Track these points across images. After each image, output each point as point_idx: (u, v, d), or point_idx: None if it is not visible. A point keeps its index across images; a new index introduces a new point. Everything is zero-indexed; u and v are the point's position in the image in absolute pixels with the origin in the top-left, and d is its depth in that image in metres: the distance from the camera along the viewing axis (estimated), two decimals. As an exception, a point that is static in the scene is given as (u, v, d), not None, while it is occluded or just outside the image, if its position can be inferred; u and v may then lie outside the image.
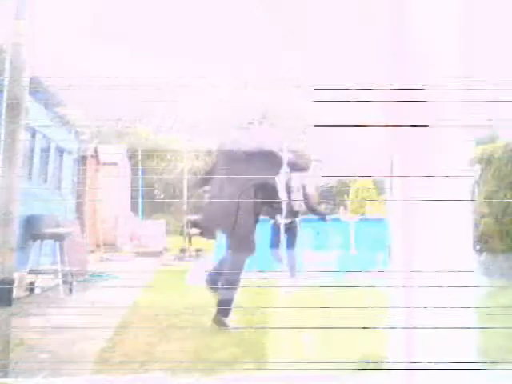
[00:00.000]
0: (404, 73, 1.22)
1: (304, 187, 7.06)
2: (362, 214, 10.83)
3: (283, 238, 6.71)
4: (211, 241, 9.25)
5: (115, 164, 11.55)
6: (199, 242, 10.64)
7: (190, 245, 10.63)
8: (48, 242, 6.78)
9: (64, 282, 6.21)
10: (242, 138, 5.36)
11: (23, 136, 3.32)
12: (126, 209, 12.39)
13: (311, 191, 7.22)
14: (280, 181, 5.91)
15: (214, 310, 4.80)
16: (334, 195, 14.21)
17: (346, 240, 8.44)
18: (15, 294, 3.47)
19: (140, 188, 13.05)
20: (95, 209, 10.62)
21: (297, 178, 6.82)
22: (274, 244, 6.93)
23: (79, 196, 9.92)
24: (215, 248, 8.86)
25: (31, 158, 7.55)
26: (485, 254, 6.49)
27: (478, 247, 1.23)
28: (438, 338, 1.17)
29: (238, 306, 5.09)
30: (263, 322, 4.60)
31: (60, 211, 8.57)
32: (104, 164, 11.25)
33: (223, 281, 4.69)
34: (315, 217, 7.58)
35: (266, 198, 5.17)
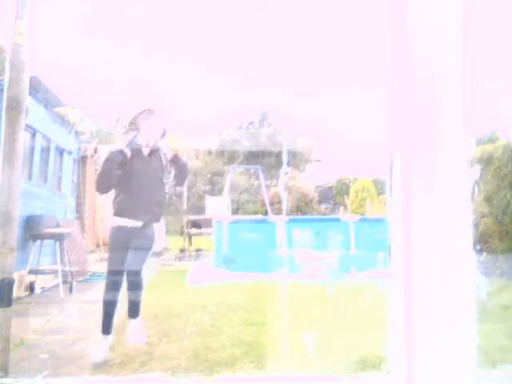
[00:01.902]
0: (404, 72, 1.22)
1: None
2: (362, 214, 10.84)
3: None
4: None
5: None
6: (199, 241, 10.66)
7: (190, 245, 10.64)
8: (48, 242, 6.78)
9: (64, 282, 6.20)
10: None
11: (23, 136, 3.32)
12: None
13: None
14: None
15: (214, 309, 4.86)
16: (334, 195, 14.22)
17: (346, 240, 8.45)
18: (15, 294, 3.47)
19: (140, 188, 13.02)
20: (95, 209, 10.62)
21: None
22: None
23: (79, 196, 9.91)
24: (215, 248, 8.88)
25: (31, 158, 7.55)
26: (485, 254, 6.49)
27: (478, 247, 1.23)
28: (437, 338, 1.17)
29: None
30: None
31: (60, 211, 8.58)
32: (104, 164, 11.24)
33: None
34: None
35: None
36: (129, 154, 3.77)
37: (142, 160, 3.83)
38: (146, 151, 3.85)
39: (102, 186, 3.95)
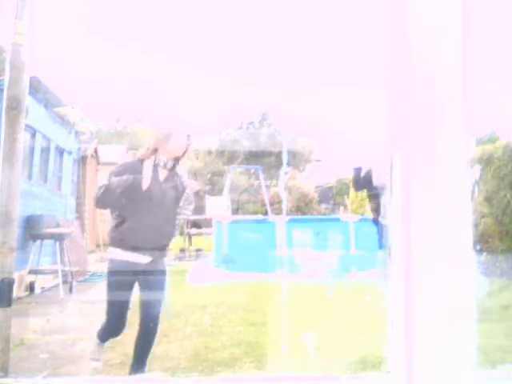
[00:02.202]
0: (404, 72, 1.22)
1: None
2: (362, 214, 10.84)
3: None
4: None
5: (115, 164, 11.54)
6: (199, 241, 10.66)
7: (190, 245, 10.64)
8: (48, 242, 6.78)
9: (64, 282, 6.21)
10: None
11: (23, 136, 3.32)
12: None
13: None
14: None
15: (214, 309, 4.84)
16: (334, 195, 14.22)
17: (346, 240, 8.45)
18: (15, 294, 3.47)
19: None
20: (95, 209, 10.62)
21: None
22: None
23: (79, 196, 9.91)
24: (215, 248, 8.88)
25: (31, 158, 7.55)
26: (485, 254, 6.49)
27: (478, 247, 1.23)
28: (437, 338, 1.17)
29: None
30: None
31: (60, 211, 8.58)
32: (104, 164, 11.26)
33: None
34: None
35: None
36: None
37: (156, 184, 3.27)
38: (162, 175, 3.31)
39: (104, 202, 3.36)
